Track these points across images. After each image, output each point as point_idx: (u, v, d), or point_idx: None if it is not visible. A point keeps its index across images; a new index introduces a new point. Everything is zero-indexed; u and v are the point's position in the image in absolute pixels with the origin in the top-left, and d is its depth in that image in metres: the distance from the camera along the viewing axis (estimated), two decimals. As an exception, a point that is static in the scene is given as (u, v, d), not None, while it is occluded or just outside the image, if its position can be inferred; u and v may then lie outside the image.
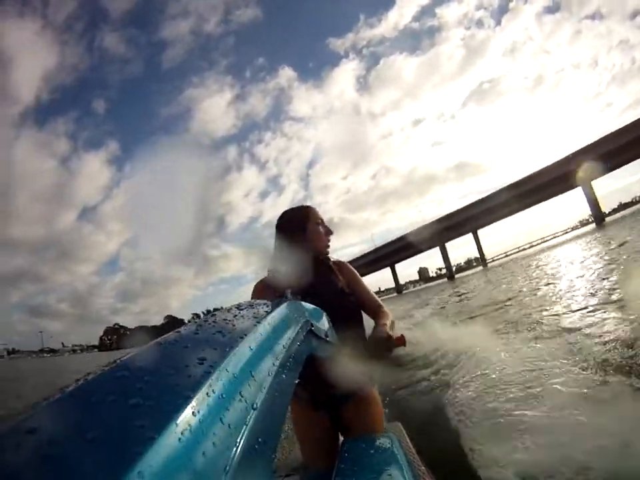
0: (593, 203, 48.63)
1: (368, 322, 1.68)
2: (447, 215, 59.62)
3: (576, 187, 49.09)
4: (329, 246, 1.72)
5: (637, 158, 45.33)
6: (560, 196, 53.83)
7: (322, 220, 1.72)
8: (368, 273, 77.02)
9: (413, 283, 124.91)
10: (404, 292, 75.36)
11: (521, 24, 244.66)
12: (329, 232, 1.72)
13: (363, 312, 1.70)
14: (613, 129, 43.70)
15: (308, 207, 1.75)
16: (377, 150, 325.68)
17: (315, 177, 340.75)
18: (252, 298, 1.62)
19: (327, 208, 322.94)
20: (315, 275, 1.52)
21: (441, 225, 58.57)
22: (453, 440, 2.45)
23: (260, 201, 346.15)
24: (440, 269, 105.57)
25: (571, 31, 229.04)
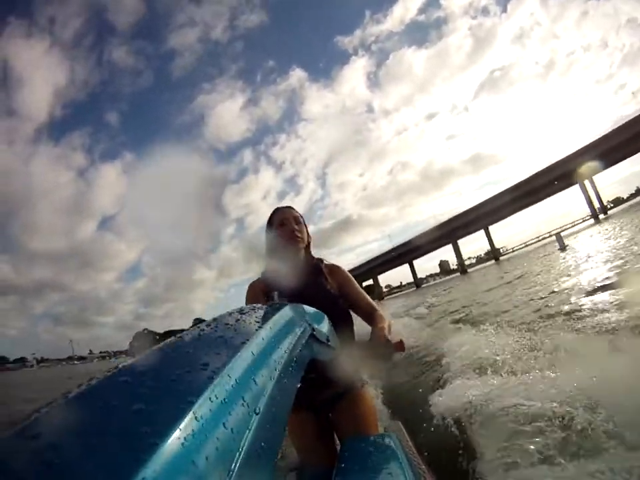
0: (589, 201, 52.30)
1: (364, 326, 1.67)
2: (456, 215, 63.40)
3: (574, 184, 52.47)
4: (296, 240, 1.69)
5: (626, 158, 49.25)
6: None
7: (286, 219, 1.71)
8: (388, 269, 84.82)
9: (434, 276, 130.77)
10: (423, 286, 77.59)
11: (527, 9, 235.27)
12: (291, 229, 1.69)
13: (357, 315, 1.71)
14: (627, 114, 45.23)
15: (274, 210, 1.79)
16: (392, 146, 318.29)
17: (332, 175, 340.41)
18: (246, 298, 1.70)
19: (345, 206, 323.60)
20: (304, 277, 1.54)
21: (451, 225, 63.04)
22: (454, 439, 2.48)
23: (278, 202, 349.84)
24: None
25: (577, 12, 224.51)
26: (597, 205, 53.09)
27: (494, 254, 67.25)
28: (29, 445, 0.30)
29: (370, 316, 1.65)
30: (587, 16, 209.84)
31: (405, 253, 73.56)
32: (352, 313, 1.74)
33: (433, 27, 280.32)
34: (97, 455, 0.28)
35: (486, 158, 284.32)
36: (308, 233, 1.81)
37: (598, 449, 1.86)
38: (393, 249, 74.44)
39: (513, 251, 76.91)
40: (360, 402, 1.68)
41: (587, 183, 52.66)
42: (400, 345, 1.35)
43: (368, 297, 1.75)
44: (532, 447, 2.03)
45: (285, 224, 1.70)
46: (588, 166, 48.36)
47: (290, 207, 1.80)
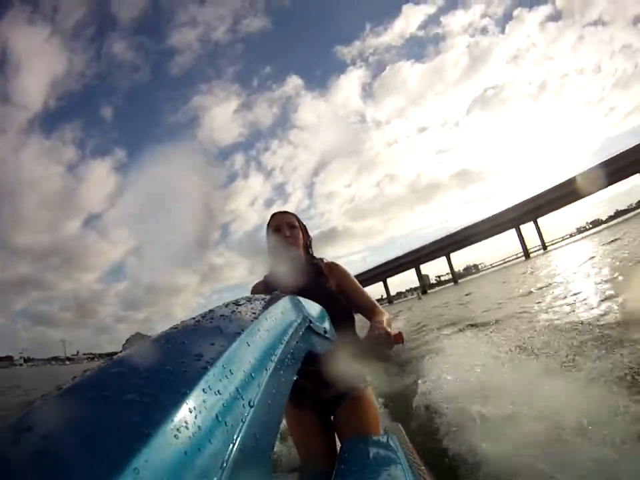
0: (522, 242, 64.42)
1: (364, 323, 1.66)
2: (420, 247, 76.81)
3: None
4: (289, 245, 1.75)
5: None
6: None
7: (280, 225, 1.79)
8: (366, 286, 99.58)
9: (411, 291, 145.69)
10: (395, 302, 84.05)
11: (525, 31, 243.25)
12: (284, 235, 1.77)
13: (358, 313, 1.73)
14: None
15: (272, 216, 1.84)
16: (381, 157, 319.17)
17: (320, 184, 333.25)
18: None
19: (331, 216, 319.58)
20: (304, 277, 1.56)
21: (419, 254, 76.63)
22: (453, 440, 2.54)
23: (265, 209, 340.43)
24: (439, 277, 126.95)
25: (574, 37, 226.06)
26: (533, 243, 64.43)
27: (453, 279, 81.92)
28: (23, 437, 0.30)
29: (370, 312, 1.67)
30: (582, 41, 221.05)
31: (379, 274, 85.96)
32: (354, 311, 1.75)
33: (432, 43, 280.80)
34: (90, 445, 0.28)
35: (473, 174, 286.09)
36: (307, 234, 1.88)
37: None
38: (371, 269, 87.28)
39: (493, 267, 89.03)
40: (362, 403, 1.68)
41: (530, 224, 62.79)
42: (399, 337, 1.33)
43: (368, 294, 1.78)
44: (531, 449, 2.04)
45: (279, 230, 1.77)
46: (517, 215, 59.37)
47: (285, 212, 1.86)
